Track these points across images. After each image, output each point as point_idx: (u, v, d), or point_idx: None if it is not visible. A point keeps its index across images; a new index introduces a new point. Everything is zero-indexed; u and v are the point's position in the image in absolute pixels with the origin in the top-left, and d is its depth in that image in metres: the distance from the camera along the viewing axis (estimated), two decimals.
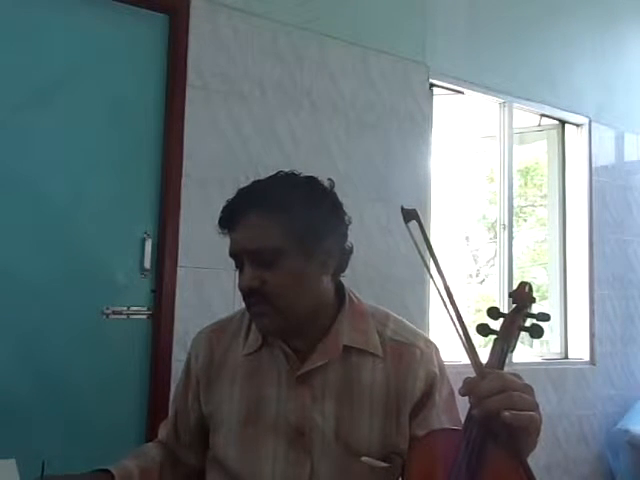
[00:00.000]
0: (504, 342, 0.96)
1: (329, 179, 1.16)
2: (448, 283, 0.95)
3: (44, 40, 2.17)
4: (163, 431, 1.29)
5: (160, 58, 2.38)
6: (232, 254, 1.11)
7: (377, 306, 1.22)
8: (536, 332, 0.95)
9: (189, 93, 2.38)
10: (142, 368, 2.26)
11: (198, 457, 1.25)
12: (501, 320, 1.00)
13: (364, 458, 1.08)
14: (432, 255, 0.98)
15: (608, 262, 3.61)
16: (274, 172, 1.16)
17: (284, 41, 2.62)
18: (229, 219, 1.10)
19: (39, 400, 2.07)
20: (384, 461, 1.09)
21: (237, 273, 1.12)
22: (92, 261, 2.19)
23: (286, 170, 1.16)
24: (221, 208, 1.13)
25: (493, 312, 1.01)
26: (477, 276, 6.43)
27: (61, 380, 2.11)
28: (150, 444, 1.29)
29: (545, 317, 0.97)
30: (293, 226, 1.06)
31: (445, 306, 0.92)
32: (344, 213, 1.15)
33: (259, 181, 1.14)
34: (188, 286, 2.32)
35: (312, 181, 1.14)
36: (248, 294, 1.08)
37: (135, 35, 2.34)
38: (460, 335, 0.92)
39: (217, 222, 1.12)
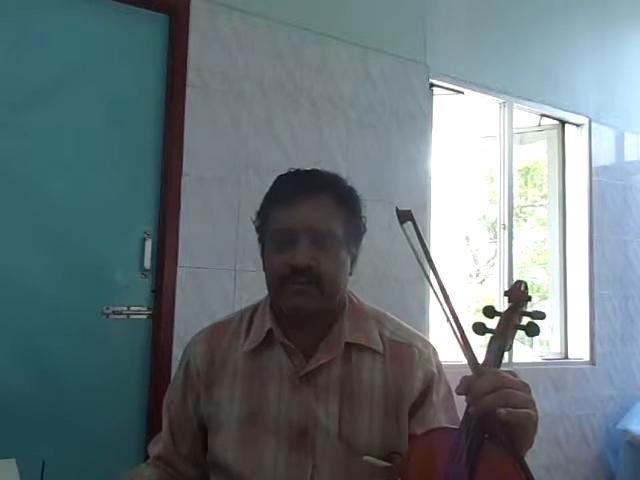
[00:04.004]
0: (500, 341, 0.96)
1: None
2: (443, 283, 0.95)
3: (44, 40, 2.18)
4: (156, 448, 1.22)
5: (160, 58, 2.38)
6: (288, 229, 1.09)
7: (374, 306, 1.23)
8: (532, 330, 0.95)
9: (189, 93, 2.38)
10: (142, 368, 2.27)
11: (196, 470, 1.20)
12: (497, 319, 1.00)
13: (366, 457, 1.08)
14: (427, 255, 0.98)
15: (608, 262, 3.61)
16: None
17: (284, 41, 2.63)
18: (296, 193, 1.10)
19: (39, 400, 2.07)
20: (385, 460, 1.09)
21: (262, 257, 1.15)
22: (92, 261, 2.20)
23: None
24: (275, 181, 1.17)
25: (489, 311, 1.01)
26: (477, 276, 6.43)
27: (61, 380, 2.11)
28: (143, 465, 1.23)
29: (540, 315, 0.97)
30: (350, 220, 1.13)
31: (441, 305, 0.93)
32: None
33: (319, 170, 1.19)
34: (188, 286, 2.32)
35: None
36: (300, 272, 1.06)
37: (135, 35, 2.34)
38: (456, 334, 0.92)
39: (275, 192, 1.14)
